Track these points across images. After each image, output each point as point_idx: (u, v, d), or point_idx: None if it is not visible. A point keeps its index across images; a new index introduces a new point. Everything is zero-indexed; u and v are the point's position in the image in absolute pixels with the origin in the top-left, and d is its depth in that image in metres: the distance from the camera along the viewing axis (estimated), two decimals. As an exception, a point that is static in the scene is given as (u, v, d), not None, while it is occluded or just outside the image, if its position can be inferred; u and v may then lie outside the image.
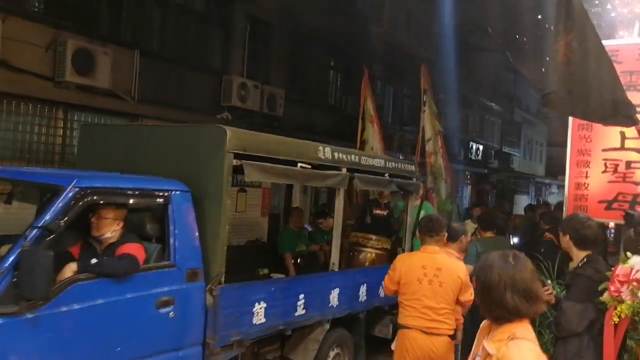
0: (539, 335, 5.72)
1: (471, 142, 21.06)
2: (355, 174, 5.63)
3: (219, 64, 11.06)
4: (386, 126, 16.36)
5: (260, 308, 4.55)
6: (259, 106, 10.98)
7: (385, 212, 8.11)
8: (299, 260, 7.04)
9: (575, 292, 3.65)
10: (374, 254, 7.06)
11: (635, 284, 3.36)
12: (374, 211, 8.33)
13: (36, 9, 8.10)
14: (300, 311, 4.97)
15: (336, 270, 5.60)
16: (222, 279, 4.22)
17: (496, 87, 24.32)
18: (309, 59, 13.58)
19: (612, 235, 12.72)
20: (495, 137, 24.05)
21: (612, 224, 10.65)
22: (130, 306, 3.66)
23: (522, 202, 24.65)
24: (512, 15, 17.08)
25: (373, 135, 10.11)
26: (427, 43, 16.65)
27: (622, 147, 5.78)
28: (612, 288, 3.45)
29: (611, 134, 5.79)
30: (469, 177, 22.26)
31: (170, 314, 3.87)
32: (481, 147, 21.83)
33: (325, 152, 5.26)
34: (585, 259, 3.74)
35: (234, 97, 10.43)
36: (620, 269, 3.47)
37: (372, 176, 6.01)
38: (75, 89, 7.89)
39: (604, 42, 4.44)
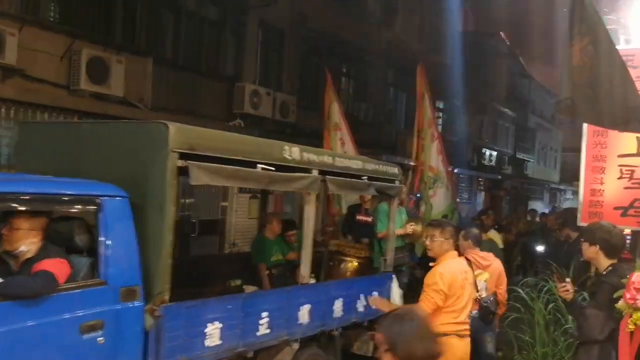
0: (553, 343, 5.69)
1: (484, 148, 20.94)
2: (328, 176, 5.09)
3: (232, 71, 11.13)
4: (399, 132, 16.38)
5: (215, 328, 4.04)
6: (271, 113, 11.02)
7: (369, 218, 7.62)
8: (274, 271, 6.41)
9: (600, 298, 3.60)
10: (355, 263, 6.65)
11: (652, 291, 3.32)
12: (357, 217, 7.86)
13: (51, 19, 8.20)
14: (263, 330, 4.48)
15: (306, 283, 5.08)
16: (167, 296, 3.70)
17: (510, 92, 24.20)
18: (321, 65, 13.59)
19: (627, 242, 12.52)
20: (509, 142, 23.90)
21: (627, 231, 10.56)
22: (46, 332, 3.12)
23: (537, 208, 24.46)
24: (526, 21, 17.03)
25: (336, 142, 9.72)
26: (439, 49, 16.62)
27: (638, 153, 5.70)
28: (628, 295, 3.41)
29: (627, 140, 5.71)
30: (482, 183, 22.12)
31: (99, 339, 3.33)
32: (495, 153, 21.70)
33: (292, 152, 4.75)
34: (610, 267, 3.73)
35: (246, 104, 10.47)
36: (636, 277, 3.43)
37: (348, 179, 5.47)
38: (90, 97, 7.98)
39: (619, 47, 4.41)
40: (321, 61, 13.52)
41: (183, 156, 3.77)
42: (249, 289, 5.89)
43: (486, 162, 21.00)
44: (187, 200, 9.75)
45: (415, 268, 8.68)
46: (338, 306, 5.38)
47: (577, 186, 6.24)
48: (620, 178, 5.81)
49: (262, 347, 4.58)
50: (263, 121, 10.99)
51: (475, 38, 19.79)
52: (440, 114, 19.33)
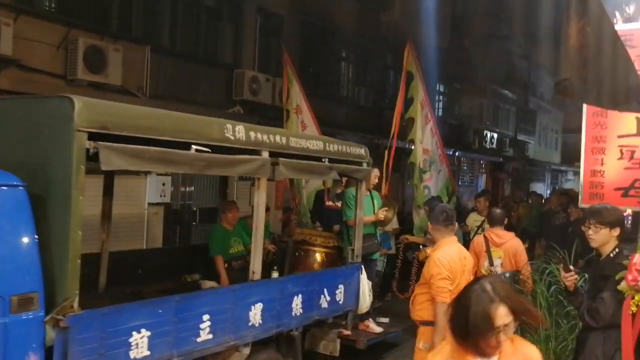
0: (556, 324, 5.70)
1: (485, 131, 20.88)
2: (281, 158, 4.59)
3: (230, 58, 11.07)
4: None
5: (142, 337, 3.51)
6: (270, 99, 10.97)
7: (339, 204, 7.21)
8: (234, 264, 5.97)
9: (615, 282, 3.57)
10: (323, 254, 6.18)
11: (653, 272, 3.32)
12: (327, 203, 7.58)
13: (47, 8, 8.16)
14: (204, 336, 3.99)
15: (257, 279, 4.55)
16: (76, 304, 3.14)
17: (510, 74, 24.07)
18: (319, 50, 13.55)
19: (629, 223, 12.58)
20: (510, 125, 23.82)
21: (628, 211, 10.58)
22: None
23: (538, 190, 24.45)
24: (526, 2, 16.89)
25: (297, 125, 9.28)
26: (439, 32, 16.51)
27: (638, 133, 5.70)
28: (630, 277, 3.42)
29: (626, 120, 5.71)
30: (483, 165, 22.10)
31: None
32: (496, 136, 21.64)
33: (236, 131, 4.20)
34: (617, 249, 3.72)
35: (245, 91, 10.43)
36: (637, 258, 3.43)
37: (305, 161, 4.93)
38: (87, 86, 7.94)
39: (618, 27, 4.37)
40: (320, 46, 13.46)
41: (94, 137, 3.21)
42: (206, 284, 5.50)
43: (487, 145, 20.95)
44: (187, 189, 9.76)
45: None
46: (297, 303, 4.91)
47: (578, 167, 6.24)
48: (620, 159, 5.81)
49: (204, 355, 4.09)
50: (263, 108, 10.95)
51: (474, 20, 19.62)
52: (441, 97, 19.26)
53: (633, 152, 5.74)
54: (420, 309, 4.38)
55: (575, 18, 3.92)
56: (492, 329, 2.15)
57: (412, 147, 9.83)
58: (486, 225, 8.98)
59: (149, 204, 8.89)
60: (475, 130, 20.24)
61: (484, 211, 9.19)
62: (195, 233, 9.74)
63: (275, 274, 5.43)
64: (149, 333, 3.56)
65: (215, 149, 4.03)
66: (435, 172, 10.05)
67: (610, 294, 3.57)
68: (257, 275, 4.54)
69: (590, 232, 3.76)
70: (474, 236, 8.96)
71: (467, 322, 2.14)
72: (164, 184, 8.92)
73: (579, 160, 6.22)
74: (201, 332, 3.99)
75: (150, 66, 9.08)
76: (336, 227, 7.04)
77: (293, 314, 4.88)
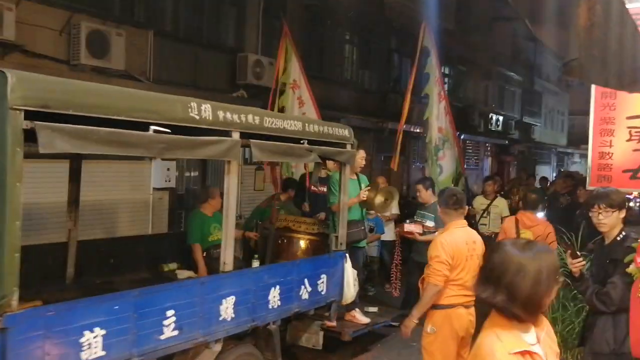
0: (563, 307, 5.70)
1: (491, 114, 20.76)
2: (253, 140, 4.27)
3: (233, 42, 10.99)
4: (404, 99, 16.21)
5: (96, 337, 3.22)
6: (274, 83, 10.90)
7: (324, 189, 6.98)
8: (213, 252, 5.63)
9: (626, 265, 3.54)
10: (307, 242, 5.93)
11: (662, 254, 3.30)
12: (313, 188, 7.34)
13: (49, -8, 8.09)
14: (169, 332, 3.72)
15: (229, 270, 4.26)
16: (15, 301, 2.86)
17: (516, 56, 23.88)
18: (323, 33, 13.43)
19: (638, 205, 12.56)
20: (516, 107, 23.67)
21: (635, 194, 10.55)
22: None
23: (544, 172, 24.38)
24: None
25: (293, 101, 8.99)
26: (443, 14, 16.36)
27: (648, 115, 5.64)
28: (639, 259, 3.40)
29: (636, 101, 5.64)
30: (489, 148, 22.01)
31: None
32: (501, 118, 21.51)
33: (202, 110, 3.86)
34: (624, 233, 3.70)
35: (249, 75, 10.36)
36: (647, 240, 3.41)
37: (281, 143, 4.59)
38: (91, 71, 7.90)
39: (629, 6, 4.29)
40: (324, 29, 13.35)
41: (31, 116, 2.89)
42: (183, 274, 5.30)
43: (493, 128, 20.84)
44: (192, 174, 9.75)
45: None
46: (275, 295, 4.67)
47: (585, 149, 6.20)
48: (629, 140, 5.75)
49: (170, 353, 3.83)
50: (267, 91, 10.85)
51: (480, 2, 19.43)
52: (446, 80, 19.14)
53: (642, 133, 5.69)
54: None
55: (586, -3, 3.85)
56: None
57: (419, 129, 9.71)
58: (491, 209, 9.06)
59: (154, 189, 8.91)
60: (481, 113, 20.13)
61: (491, 195, 9.23)
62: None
63: (256, 263, 5.23)
64: (103, 332, 3.28)
65: (179, 130, 3.73)
66: (448, 150, 10.07)
67: (620, 278, 3.54)
68: (229, 266, 4.25)
69: (600, 216, 3.72)
70: (479, 219, 9.02)
71: (538, 284, 1.97)
72: (168, 169, 8.92)
73: (585, 142, 6.17)
74: (165, 328, 3.70)
75: (154, 51, 9.02)
76: (321, 215, 6.86)
77: (270, 307, 4.62)
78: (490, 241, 8.81)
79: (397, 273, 8.71)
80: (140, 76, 8.71)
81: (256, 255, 5.37)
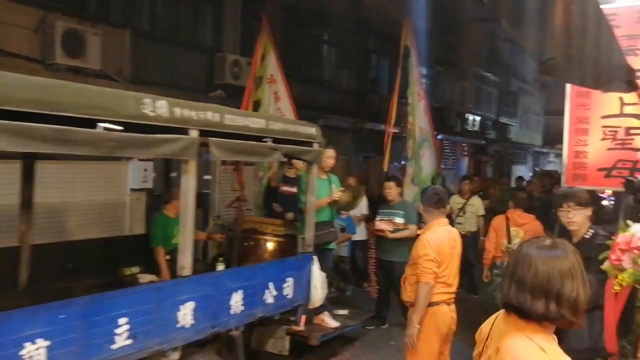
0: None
1: (468, 114, 20.94)
2: (212, 138, 4.10)
3: (211, 42, 10.92)
4: (382, 99, 16.28)
5: (38, 349, 3.03)
6: (251, 76, 10.85)
7: (294, 189, 6.86)
8: (176, 255, 5.41)
9: (598, 263, 3.57)
10: (275, 244, 5.78)
11: (636, 252, 3.35)
12: (281, 188, 7.24)
13: (22, -9, 7.95)
14: (122, 342, 3.54)
15: (188, 275, 4.09)
16: None
17: (492, 57, 24.10)
18: (301, 33, 13.42)
19: (611, 203, 12.77)
20: (492, 107, 23.91)
21: (609, 192, 10.73)
22: None
23: (520, 172, 24.65)
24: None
25: (270, 96, 8.95)
26: (421, 14, 16.45)
27: (621, 114, 5.74)
28: (613, 257, 3.44)
29: (610, 101, 5.74)
30: (466, 148, 22.18)
31: None
32: (478, 118, 21.71)
33: (157, 106, 3.67)
34: (591, 230, 3.74)
35: (227, 75, 10.30)
36: (621, 237, 3.45)
37: (242, 142, 4.41)
38: (66, 71, 7.77)
39: (602, 6, 4.36)
40: (302, 29, 13.33)
41: None
42: (145, 278, 5.13)
43: (470, 128, 21.02)
44: (170, 175, 9.65)
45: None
46: (237, 300, 4.50)
47: (560, 149, 6.29)
48: (603, 139, 5.85)
49: None
50: (245, 91, 10.83)
51: (456, 3, 19.58)
52: (424, 80, 19.25)
53: (616, 132, 5.78)
54: (412, 290, 4.38)
55: (561, -3, 3.90)
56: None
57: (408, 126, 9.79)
58: (467, 208, 9.15)
59: (131, 189, 8.80)
60: (458, 113, 20.28)
61: (467, 194, 9.34)
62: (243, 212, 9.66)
63: (220, 266, 5.13)
64: (47, 343, 3.07)
65: (134, 128, 3.55)
66: (427, 149, 10.19)
67: (593, 276, 3.57)
68: (187, 270, 4.07)
69: (570, 215, 3.76)
70: (455, 218, 9.11)
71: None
72: (145, 170, 8.83)
73: (560, 142, 6.27)
74: (117, 337, 3.51)
75: (130, 50, 8.91)
76: (289, 215, 6.74)
77: (232, 312, 4.45)
78: (466, 240, 8.93)
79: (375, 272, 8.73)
80: (117, 76, 8.61)
81: (221, 258, 5.27)
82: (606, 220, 11.25)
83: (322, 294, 5.61)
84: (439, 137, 17.57)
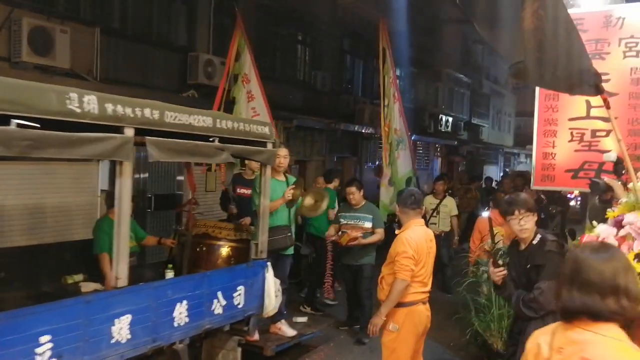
0: (508, 304, 5.83)
1: (441, 115, 21.13)
2: (149, 137, 3.80)
3: (184, 41, 10.81)
4: (357, 100, 16.35)
5: None
6: (225, 74, 10.78)
7: (250, 191, 6.55)
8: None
9: (549, 270, 3.61)
10: (229, 249, 5.44)
11: (602, 251, 3.39)
12: (239, 190, 6.92)
13: (-13, -14, 7.77)
14: None
15: (123, 286, 3.73)
16: None
17: (465, 59, 24.37)
18: (275, 33, 13.38)
19: (578, 203, 13.03)
20: (465, 108, 24.14)
21: (576, 192, 10.94)
22: None
23: (491, 172, 24.97)
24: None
25: (243, 95, 8.87)
26: (395, 15, 16.54)
27: (588, 116, 5.84)
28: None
29: (577, 103, 5.84)
30: (439, 149, 22.37)
31: None
32: (451, 119, 21.92)
33: (85, 102, 3.31)
34: (539, 236, 3.76)
35: (200, 75, 10.22)
36: (587, 237, 3.50)
37: (183, 141, 4.09)
38: (34, 69, 7.62)
39: (570, 11, 4.42)
40: (276, 29, 13.29)
41: None
42: (88, 286, 4.77)
43: (442, 129, 21.21)
44: (141, 175, 9.54)
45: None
46: (181, 311, 4.21)
47: (530, 150, 6.40)
48: (571, 141, 5.95)
49: None
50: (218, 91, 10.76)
51: (429, 4, 19.73)
52: (398, 81, 19.37)
53: (583, 134, 5.88)
54: (389, 290, 4.41)
55: (530, 1, 3.94)
56: None
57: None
58: (441, 208, 9.24)
59: (102, 190, 8.67)
60: (431, 114, 20.45)
61: (441, 194, 9.43)
62: (151, 220, 9.55)
63: (169, 274, 4.84)
64: None
65: (55, 126, 3.23)
66: (402, 151, 10.27)
67: (548, 283, 3.57)
68: (123, 280, 3.72)
69: (522, 222, 3.72)
70: (429, 218, 9.18)
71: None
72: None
73: (531, 143, 6.36)
74: (38, 357, 3.15)
75: (101, 49, 8.77)
76: (246, 220, 6.47)
77: (175, 325, 4.15)
78: (439, 240, 9.00)
79: (332, 277, 8.69)
80: (87, 75, 8.47)
81: (170, 265, 4.96)
82: (574, 219, 11.50)
83: (276, 302, 5.36)
84: (413, 137, 17.75)
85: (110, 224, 4.85)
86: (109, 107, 3.49)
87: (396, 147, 10.19)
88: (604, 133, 5.72)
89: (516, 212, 3.76)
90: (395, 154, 10.12)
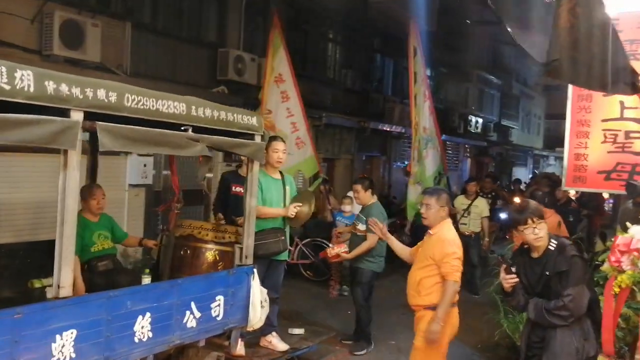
0: (510, 316, 5.76)
1: (470, 115, 20.95)
2: (101, 122, 3.19)
3: (215, 37, 10.86)
4: (387, 99, 16.27)
5: None
6: (256, 79, 10.80)
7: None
8: (100, 266, 4.83)
9: (577, 274, 3.49)
10: (216, 253, 4.79)
11: (635, 253, 3.35)
12: (233, 189, 6.19)
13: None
14: None
15: (67, 296, 3.16)
16: None
17: (496, 60, 24.10)
18: (307, 31, 13.37)
19: (610, 205, 12.75)
20: (494, 110, 23.91)
21: (606, 195, 10.72)
22: None
23: (520, 174, 24.67)
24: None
25: (276, 96, 8.75)
26: (425, 16, 16.41)
27: (622, 117, 5.77)
28: (613, 258, 3.43)
29: (611, 104, 5.75)
30: (468, 150, 22.18)
31: None
32: (480, 120, 21.72)
33: (19, 78, 2.80)
34: (555, 241, 3.63)
35: (230, 71, 10.25)
36: (620, 239, 3.43)
37: (147, 129, 3.47)
38: (64, 62, 7.69)
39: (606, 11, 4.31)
40: (307, 26, 13.28)
41: None
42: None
43: (472, 129, 21.04)
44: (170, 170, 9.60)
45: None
46: (144, 325, 3.65)
47: (560, 152, 6.30)
48: (604, 142, 5.86)
49: None
50: (248, 88, 10.79)
51: (461, 5, 19.54)
52: (429, 81, 19.27)
53: (616, 135, 5.79)
54: (428, 294, 4.18)
55: (566, -2, 3.85)
56: None
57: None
58: (472, 209, 9.13)
59: (130, 185, 8.75)
60: (461, 115, 20.28)
61: (473, 195, 9.35)
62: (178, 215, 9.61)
63: (146, 280, 4.34)
64: None
65: None
66: (431, 150, 10.19)
67: (576, 289, 3.45)
68: (66, 290, 3.13)
69: (537, 230, 3.55)
70: (460, 219, 9.10)
71: None
72: (145, 165, 8.78)
73: (560, 145, 6.27)
74: None
75: (131, 43, 8.85)
76: (240, 220, 5.77)
77: (135, 340, 3.58)
78: (469, 240, 8.91)
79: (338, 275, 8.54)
80: (117, 69, 8.56)
81: (147, 270, 4.48)
82: (605, 224, 11.26)
83: (263, 313, 4.76)
84: (443, 138, 17.64)
85: (83, 223, 4.70)
86: (50, 86, 2.92)
87: (425, 145, 10.11)
88: (638, 134, 5.62)
89: (529, 221, 3.57)
90: (424, 153, 10.05)
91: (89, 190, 5.00)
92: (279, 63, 8.88)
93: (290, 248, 9.26)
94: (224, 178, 6.39)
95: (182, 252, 4.80)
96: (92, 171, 5.28)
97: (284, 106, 8.92)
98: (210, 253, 4.79)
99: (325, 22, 13.94)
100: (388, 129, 15.28)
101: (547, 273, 3.56)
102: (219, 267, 4.71)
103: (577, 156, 5.99)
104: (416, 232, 8.97)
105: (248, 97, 10.52)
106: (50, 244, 3.29)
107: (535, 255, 3.67)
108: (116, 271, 4.90)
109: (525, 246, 3.75)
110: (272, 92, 8.86)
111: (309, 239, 9.55)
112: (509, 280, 3.64)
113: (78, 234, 4.24)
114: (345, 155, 14.45)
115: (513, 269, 3.67)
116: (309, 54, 13.49)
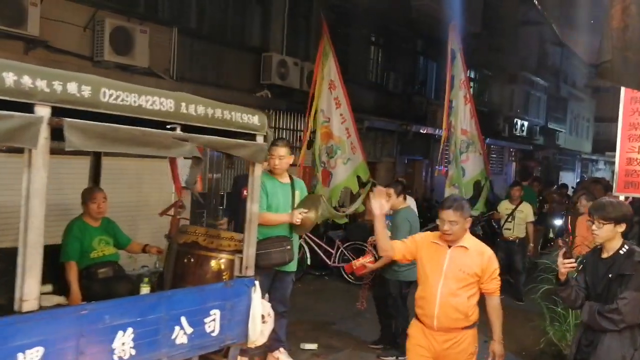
0: (562, 317, 5.58)
1: (516, 119, 20.55)
2: (69, 119, 2.82)
3: (258, 41, 10.97)
4: (429, 102, 16.12)
5: None
6: (299, 83, 10.87)
7: None
8: (100, 273, 4.60)
9: (638, 281, 3.37)
10: (220, 262, 4.38)
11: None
12: (244, 193, 5.46)
13: (74, -12, 8.14)
14: None
15: (34, 310, 2.80)
16: None
17: (542, 61, 23.59)
18: (349, 34, 13.37)
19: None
20: (541, 113, 23.37)
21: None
22: None
23: (568, 179, 24.03)
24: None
25: (330, 103, 8.73)
26: (470, 17, 16.21)
27: (678, 120, 5.52)
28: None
29: (667, 107, 5.51)
30: (513, 153, 21.75)
31: None
32: (526, 124, 21.28)
33: None
34: (626, 246, 3.54)
35: (273, 75, 10.34)
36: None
37: (124, 127, 3.07)
38: (114, 68, 7.93)
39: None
40: (349, 30, 13.28)
41: None
42: (50, 300, 3.92)
43: (517, 133, 20.63)
44: (214, 175, 9.73)
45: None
46: (124, 342, 3.27)
47: (610, 156, 6.10)
48: (659, 146, 5.62)
49: None
50: (291, 92, 10.86)
51: (506, 5, 19.22)
52: (472, 83, 19.00)
53: (673, 140, 5.55)
54: (474, 312, 3.89)
55: (620, -3, 3.73)
56: None
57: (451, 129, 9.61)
58: (516, 214, 8.94)
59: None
60: (506, 118, 19.94)
61: (517, 200, 9.16)
62: (223, 217, 9.71)
63: (145, 289, 4.12)
64: None
65: None
66: (472, 153, 10.02)
67: (635, 294, 3.34)
68: (31, 303, 2.79)
69: (593, 227, 3.56)
70: (503, 224, 8.92)
71: None
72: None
73: (611, 149, 6.06)
74: None
75: (178, 48, 9.04)
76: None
77: (115, 358, 3.22)
78: (513, 246, 8.75)
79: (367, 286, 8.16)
80: (164, 74, 8.73)
81: (147, 279, 4.23)
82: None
83: (266, 328, 4.38)
84: (487, 141, 17.36)
85: (82, 228, 4.56)
86: (9, 77, 2.61)
87: (465, 149, 9.95)
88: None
89: (591, 217, 3.61)
90: (463, 156, 9.89)
91: (89, 193, 4.75)
92: (330, 70, 8.89)
93: (331, 250, 9.25)
94: (236, 181, 6.07)
95: (185, 260, 4.46)
96: (94, 173, 4.98)
97: (337, 112, 8.90)
98: (215, 262, 4.38)
99: (367, 25, 13.90)
100: (430, 132, 15.14)
101: (610, 275, 3.49)
102: (224, 277, 4.32)
103: (629, 160, 5.77)
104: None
105: (291, 100, 10.60)
106: (47, 249, 2.97)
107: (604, 255, 3.61)
108: (116, 279, 4.63)
109: (599, 245, 3.68)
110: (327, 99, 8.83)
111: (350, 242, 9.52)
112: (566, 264, 3.55)
113: (77, 238, 4.50)
114: (387, 158, 14.38)
115: (573, 255, 3.60)
116: (350, 57, 13.48)
